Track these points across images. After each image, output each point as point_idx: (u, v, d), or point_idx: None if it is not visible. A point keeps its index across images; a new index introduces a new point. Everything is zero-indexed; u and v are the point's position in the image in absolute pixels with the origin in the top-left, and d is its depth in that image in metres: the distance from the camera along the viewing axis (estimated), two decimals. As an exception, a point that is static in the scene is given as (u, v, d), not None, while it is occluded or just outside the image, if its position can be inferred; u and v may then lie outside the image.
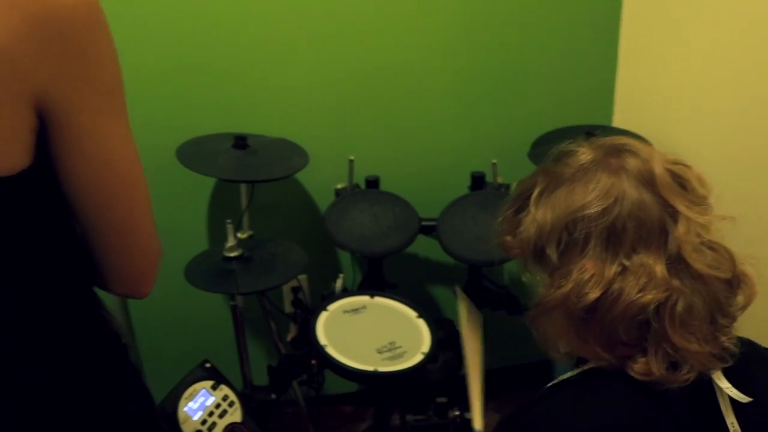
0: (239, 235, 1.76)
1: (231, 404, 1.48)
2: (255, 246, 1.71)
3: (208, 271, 1.62)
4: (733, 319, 0.83)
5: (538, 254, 0.85)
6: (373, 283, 1.92)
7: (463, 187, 1.94)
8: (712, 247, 0.82)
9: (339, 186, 1.91)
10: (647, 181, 0.80)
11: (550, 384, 0.88)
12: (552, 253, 0.83)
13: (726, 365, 0.82)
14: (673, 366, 0.79)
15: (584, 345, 0.84)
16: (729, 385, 0.81)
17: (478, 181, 1.92)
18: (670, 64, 1.89)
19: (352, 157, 1.86)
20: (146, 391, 0.91)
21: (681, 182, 0.82)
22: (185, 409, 1.42)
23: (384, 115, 1.95)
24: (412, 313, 1.66)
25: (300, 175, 1.88)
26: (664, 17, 1.89)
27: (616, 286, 0.79)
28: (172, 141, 1.71)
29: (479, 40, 1.93)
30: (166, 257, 1.74)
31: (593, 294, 0.79)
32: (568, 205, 0.82)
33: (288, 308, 2.09)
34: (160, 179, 1.81)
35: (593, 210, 0.80)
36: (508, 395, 2.27)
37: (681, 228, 0.79)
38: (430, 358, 1.54)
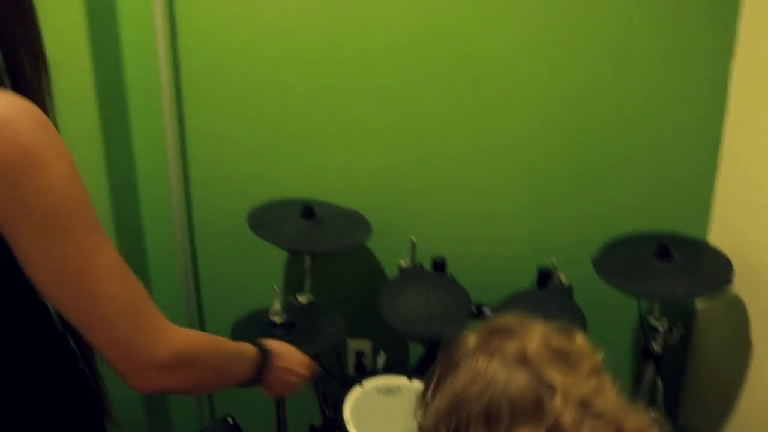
0: (300, 298, 1.85)
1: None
2: (301, 312, 1.78)
3: (252, 333, 1.70)
4: None
5: None
6: (424, 365, 1.91)
7: (526, 277, 1.89)
8: (598, 414, 0.82)
9: (403, 264, 1.93)
10: (521, 359, 0.83)
11: None
12: None
13: None
14: None
15: None
16: None
17: (544, 277, 1.84)
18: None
19: (413, 238, 1.88)
20: None
21: (561, 353, 0.85)
22: (196, 464, 1.49)
23: (454, 198, 1.96)
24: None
25: (372, 244, 1.95)
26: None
27: None
28: (249, 200, 1.87)
29: (561, 129, 1.86)
30: (224, 312, 1.84)
31: None
32: (452, 391, 0.86)
33: (352, 371, 2.14)
34: (233, 238, 1.99)
35: (470, 393, 0.84)
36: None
37: (558, 401, 0.81)
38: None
